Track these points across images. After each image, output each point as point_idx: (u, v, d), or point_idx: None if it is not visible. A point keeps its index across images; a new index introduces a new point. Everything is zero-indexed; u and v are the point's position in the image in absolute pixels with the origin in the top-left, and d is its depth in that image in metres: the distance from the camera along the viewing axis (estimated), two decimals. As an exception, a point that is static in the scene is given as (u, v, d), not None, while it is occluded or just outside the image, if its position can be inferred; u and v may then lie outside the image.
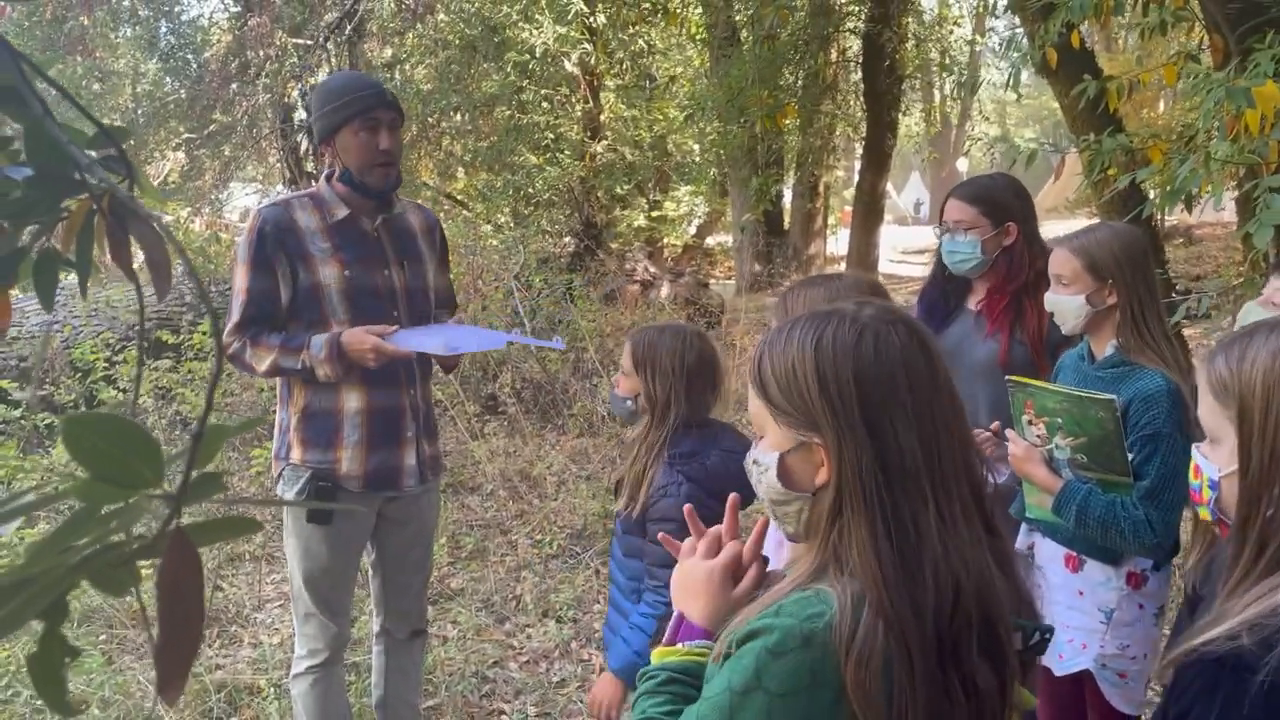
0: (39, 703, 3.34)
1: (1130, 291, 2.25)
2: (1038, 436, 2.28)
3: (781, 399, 1.19)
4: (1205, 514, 1.32)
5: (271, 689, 3.53)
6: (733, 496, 1.41)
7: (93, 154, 0.79)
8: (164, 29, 14.78)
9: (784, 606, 1.12)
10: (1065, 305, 2.33)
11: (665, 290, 10.50)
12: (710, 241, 17.64)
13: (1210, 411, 1.21)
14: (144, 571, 0.62)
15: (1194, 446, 1.32)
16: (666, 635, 1.31)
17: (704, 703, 1.13)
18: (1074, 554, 2.34)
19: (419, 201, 3.55)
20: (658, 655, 1.30)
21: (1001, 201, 2.71)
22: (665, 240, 15.72)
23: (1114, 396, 2.10)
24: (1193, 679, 1.06)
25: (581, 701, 3.51)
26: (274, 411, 2.74)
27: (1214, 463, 1.24)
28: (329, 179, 2.67)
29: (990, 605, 1.13)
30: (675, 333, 2.37)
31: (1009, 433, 2.32)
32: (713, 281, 13.23)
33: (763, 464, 1.22)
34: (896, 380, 1.15)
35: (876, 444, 1.13)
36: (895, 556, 1.10)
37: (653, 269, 11.05)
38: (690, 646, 1.28)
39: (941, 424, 1.16)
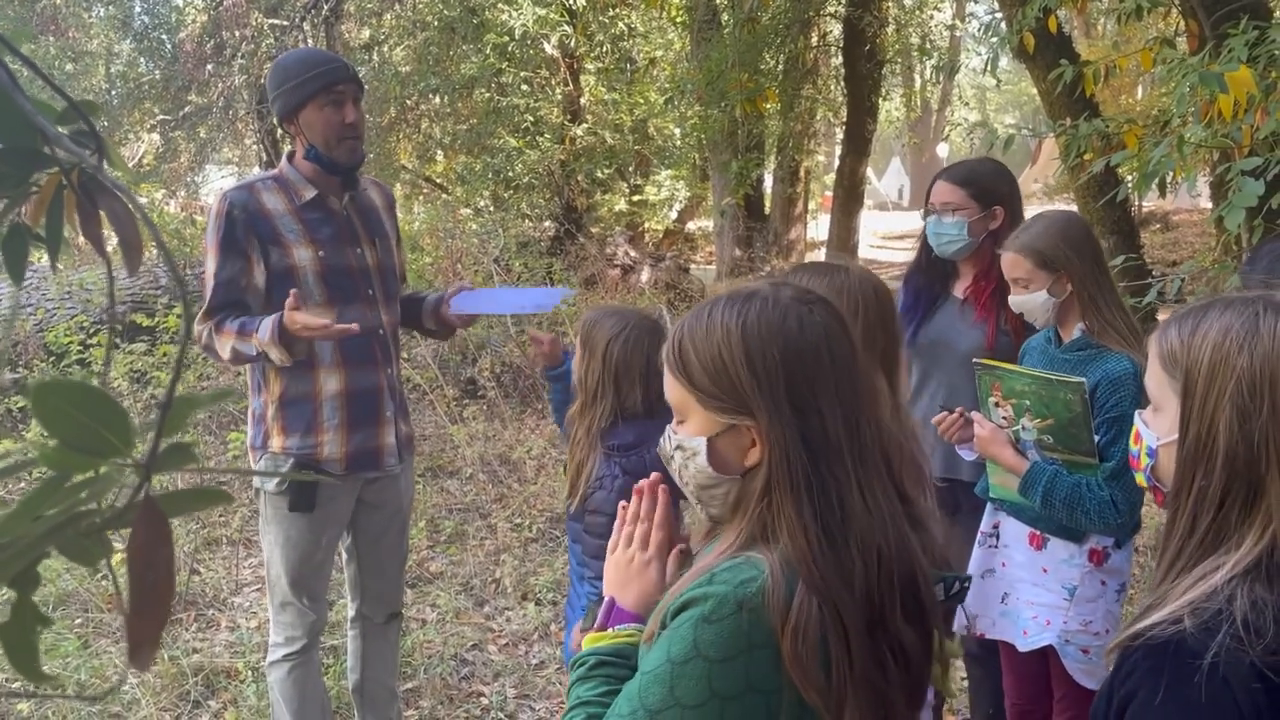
0: (15, 684, 3.32)
1: (1084, 277, 2.27)
2: (1004, 418, 2.30)
3: (708, 383, 1.18)
4: (1141, 480, 1.34)
5: (249, 672, 3.53)
6: (653, 477, 1.38)
7: (62, 129, 0.79)
8: (138, 9, 14.61)
9: (716, 574, 1.13)
10: (1032, 304, 2.34)
11: (646, 275, 10.50)
12: (691, 226, 17.63)
13: (1156, 380, 1.22)
14: (116, 549, 0.62)
15: (1137, 413, 1.33)
16: (598, 621, 1.32)
17: (643, 676, 1.13)
18: (1037, 532, 2.37)
19: (398, 184, 3.52)
20: (589, 641, 1.30)
21: (989, 185, 2.70)
22: (646, 224, 15.70)
23: (1083, 379, 2.13)
24: (1136, 664, 1.08)
25: (560, 684, 3.53)
26: (249, 396, 2.71)
27: (1154, 430, 1.25)
28: (290, 159, 2.64)
29: (911, 568, 1.16)
30: (619, 320, 2.29)
31: (975, 415, 2.35)
32: (693, 266, 13.24)
33: (689, 449, 1.22)
34: (821, 359, 1.17)
35: (802, 423, 1.14)
36: (821, 532, 1.12)
37: (633, 253, 11.03)
38: (620, 630, 1.29)
39: (862, 398, 1.19)
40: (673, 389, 1.24)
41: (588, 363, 2.28)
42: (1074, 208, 6.08)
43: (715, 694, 1.08)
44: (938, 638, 1.21)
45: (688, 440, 1.22)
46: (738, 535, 1.18)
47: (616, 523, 1.39)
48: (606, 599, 1.33)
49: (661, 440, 1.29)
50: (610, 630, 1.29)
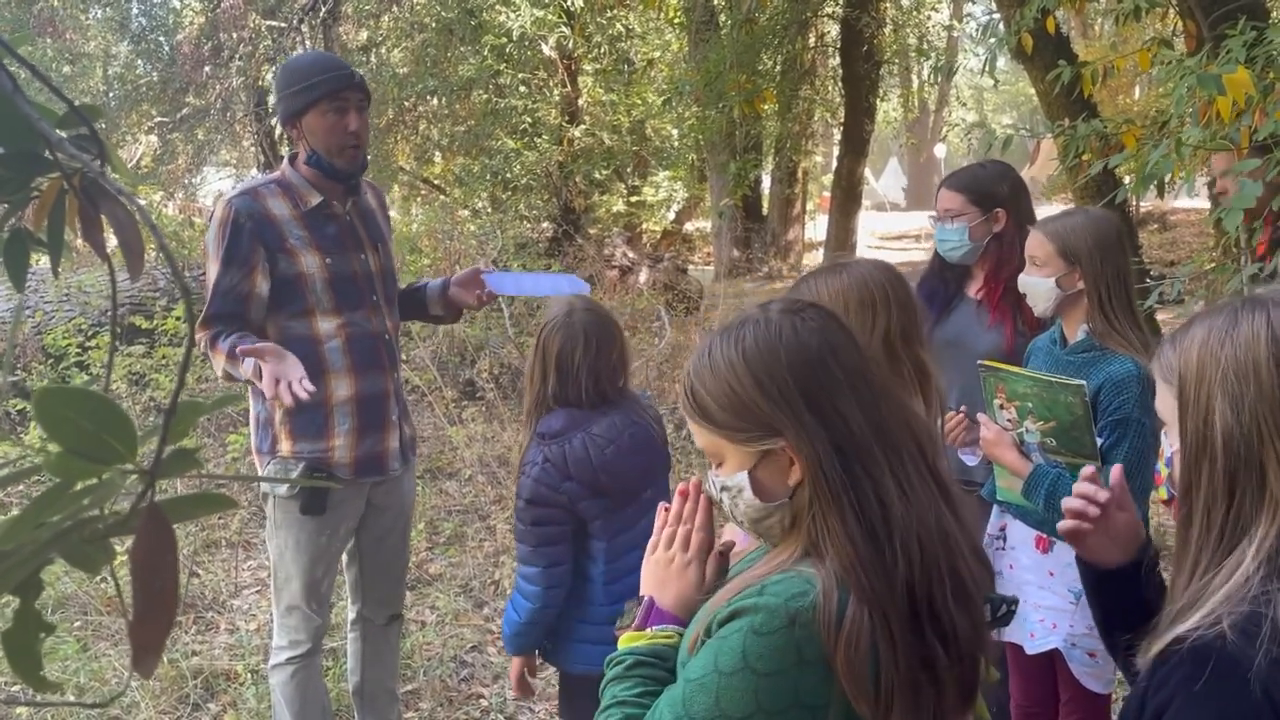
0: (15, 688, 3.32)
1: (1098, 278, 2.27)
2: (1008, 420, 2.30)
3: (729, 418, 1.19)
4: (1163, 494, 1.35)
5: (249, 675, 3.53)
6: (694, 481, 1.38)
7: (62, 133, 0.78)
8: (135, 10, 14.60)
9: (768, 586, 1.13)
10: (1036, 286, 2.36)
11: (644, 275, 10.50)
12: (689, 227, 17.63)
13: (1161, 397, 1.24)
14: (119, 555, 0.62)
15: (1162, 431, 1.35)
16: (637, 621, 1.32)
17: (688, 684, 1.12)
18: (1044, 535, 2.37)
19: (396, 185, 3.53)
20: (625, 641, 1.30)
21: (989, 189, 2.74)
22: (644, 225, 15.70)
23: (1083, 382, 2.12)
24: (1171, 672, 1.07)
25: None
26: (249, 400, 2.70)
27: (1169, 443, 1.27)
28: (292, 161, 2.63)
29: (952, 551, 1.16)
30: (561, 308, 2.26)
31: (981, 417, 2.34)
32: (691, 267, 13.23)
33: (734, 487, 1.21)
34: (827, 362, 1.17)
35: (828, 430, 1.14)
36: (866, 536, 1.11)
37: (631, 254, 11.04)
38: (657, 630, 1.29)
39: (878, 389, 1.19)
40: (700, 436, 1.24)
41: (533, 349, 2.30)
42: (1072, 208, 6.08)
43: (761, 708, 1.08)
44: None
45: (729, 479, 1.22)
46: (791, 551, 1.18)
47: (657, 523, 1.38)
48: (645, 599, 1.33)
49: (706, 486, 1.30)
50: (648, 630, 1.29)
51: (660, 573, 1.33)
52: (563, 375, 2.21)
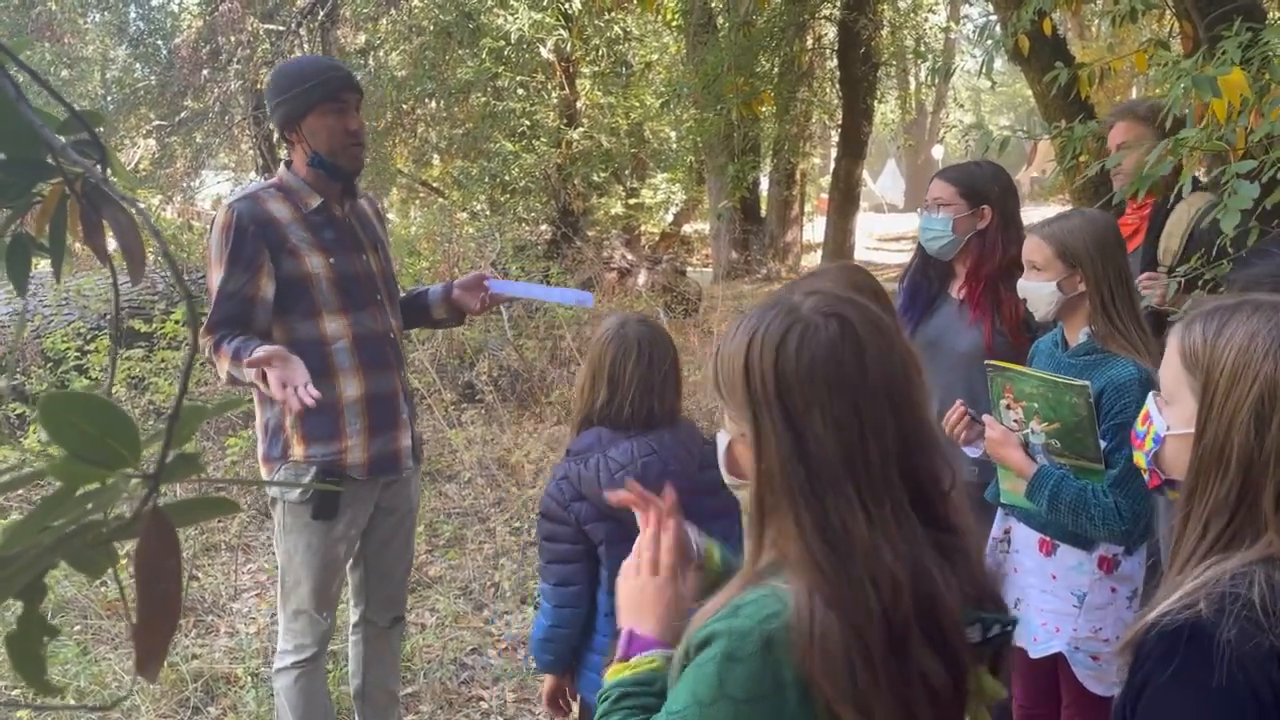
0: (15, 691, 3.32)
1: (1100, 279, 2.27)
2: (1015, 421, 2.29)
3: (723, 389, 1.20)
4: (1140, 459, 1.34)
5: (249, 678, 3.52)
6: (666, 501, 1.36)
7: (64, 139, 0.79)
8: (133, 14, 14.58)
9: (741, 607, 1.10)
10: (1037, 291, 2.35)
11: (643, 278, 10.51)
12: (687, 229, 17.63)
13: (1173, 374, 1.21)
14: (121, 558, 0.62)
15: (1151, 394, 1.33)
16: (619, 653, 1.29)
17: (669, 716, 1.10)
18: (1047, 538, 2.36)
19: (395, 188, 3.53)
20: (611, 674, 1.27)
21: (980, 186, 2.75)
22: (642, 227, 15.71)
23: (1087, 383, 2.11)
24: (1149, 651, 1.07)
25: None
26: (251, 400, 2.68)
27: (1164, 419, 1.26)
28: (289, 165, 2.63)
29: (933, 603, 1.10)
30: (616, 325, 2.22)
31: (986, 417, 2.34)
32: (690, 269, 13.22)
33: (718, 445, 1.26)
34: (815, 378, 1.12)
35: (795, 438, 1.11)
36: (828, 551, 1.08)
37: (630, 256, 11.04)
38: (641, 658, 1.26)
39: (871, 427, 1.11)
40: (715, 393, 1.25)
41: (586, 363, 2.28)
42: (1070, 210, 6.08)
43: None
44: (974, 678, 1.15)
45: (720, 438, 1.27)
46: (758, 556, 1.16)
47: (635, 548, 1.37)
48: (625, 630, 1.30)
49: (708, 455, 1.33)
50: (631, 660, 1.26)
51: (635, 599, 1.31)
52: (614, 386, 2.18)
